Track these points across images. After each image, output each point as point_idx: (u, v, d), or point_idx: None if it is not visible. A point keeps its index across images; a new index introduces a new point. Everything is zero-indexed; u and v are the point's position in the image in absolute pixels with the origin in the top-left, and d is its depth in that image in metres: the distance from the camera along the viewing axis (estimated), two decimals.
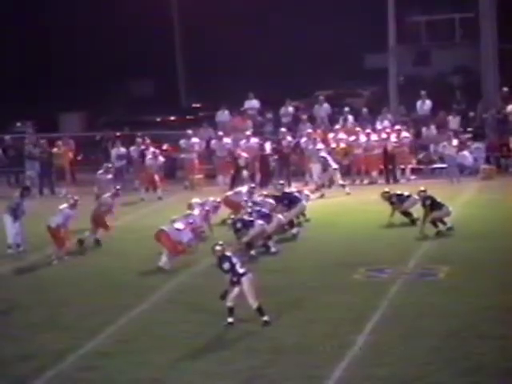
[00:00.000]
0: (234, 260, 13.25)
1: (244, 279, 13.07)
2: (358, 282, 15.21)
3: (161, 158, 26.30)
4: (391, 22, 31.90)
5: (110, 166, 22.71)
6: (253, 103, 30.53)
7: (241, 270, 13.14)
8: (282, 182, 21.12)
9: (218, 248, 13.37)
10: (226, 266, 13.16)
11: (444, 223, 18.43)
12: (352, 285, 15.04)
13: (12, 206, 18.48)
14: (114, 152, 27.77)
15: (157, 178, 25.41)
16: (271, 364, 11.46)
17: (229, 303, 13.05)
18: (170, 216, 17.43)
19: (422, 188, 18.99)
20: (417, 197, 18.88)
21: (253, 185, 21.31)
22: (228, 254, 13.39)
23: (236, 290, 13.04)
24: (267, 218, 17.77)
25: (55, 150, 28.11)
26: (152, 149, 26.80)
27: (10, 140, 30.03)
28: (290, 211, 18.93)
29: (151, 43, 39.10)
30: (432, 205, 18.31)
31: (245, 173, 26.11)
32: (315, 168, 25.63)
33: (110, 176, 22.43)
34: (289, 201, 19.19)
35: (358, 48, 38.39)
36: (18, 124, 36.64)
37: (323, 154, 24.93)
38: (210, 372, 11.29)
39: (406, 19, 38.68)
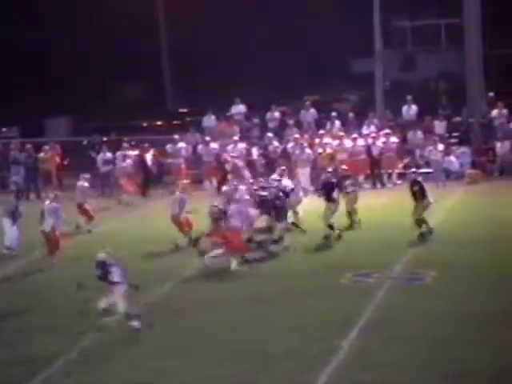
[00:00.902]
0: (113, 269, 13.13)
1: (115, 288, 13.05)
2: (345, 287, 15.24)
3: (128, 161, 26.17)
4: (377, 27, 31.99)
5: (86, 176, 22.71)
6: (239, 108, 30.56)
7: (114, 279, 13.07)
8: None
9: (99, 254, 13.35)
10: (98, 272, 13.18)
11: (426, 223, 18.49)
12: (339, 289, 15.07)
13: (10, 208, 18.51)
14: (100, 157, 27.71)
15: (123, 182, 25.36)
16: (260, 369, 11.47)
17: (102, 305, 13.15)
18: (156, 221, 17.43)
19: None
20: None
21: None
22: (107, 261, 13.25)
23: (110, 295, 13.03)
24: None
25: (41, 155, 28.03)
26: (121, 152, 26.84)
27: None
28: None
29: (138, 48, 39.07)
30: (421, 191, 18.43)
31: (231, 177, 26.09)
32: (302, 173, 25.65)
33: (86, 184, 22.39)
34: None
35: (345, 53, 38.51)
36: (4, 129, 36.51)
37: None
38: (198, 377, 11.28)
39: (392, 24, 38.86)
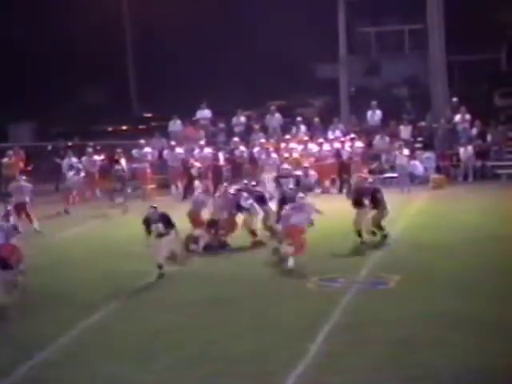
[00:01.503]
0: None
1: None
2: (311, 291, 15.30)
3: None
4: (342, 33, 32.23)
5: (23, 177, 22.76)
6: (205, 113, 30.59)
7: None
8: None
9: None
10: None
11: (382, 229, 18.63)
12: (305, 293, 15.13)
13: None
14: (65, 162, 27.54)
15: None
16: (223, 373, 11.48)
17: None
18: (123, 225, 17.42)
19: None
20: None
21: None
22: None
23: None
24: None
25: (5, 160, 27.79)
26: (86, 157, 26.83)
27: None
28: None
29: (103, 52, 38.92)
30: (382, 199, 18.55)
31: (197, 182, 26.10)
32: (268, 178, 25.73)
33: (28, 184, 22.41)
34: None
35: (310, 58, 38.71)
36: None
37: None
38: (159, 381, 11.26)
39: (356, 30, 39.14)
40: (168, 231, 16.38)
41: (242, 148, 27.69)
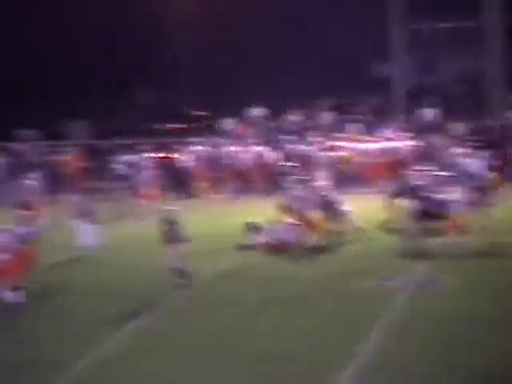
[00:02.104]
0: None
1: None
2: (367, 291, 15.14)
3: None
4: (396, 30, 31.93)
5: (34, 175, 22.90)
6: (257, 111, 30.61)
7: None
8: None
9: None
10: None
11: None
12: (361, 293, 14.98)
13: (83, 208, 18.36)
14: (119, 160, 27.81)
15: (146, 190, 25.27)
16: (277, 373, 11.43)
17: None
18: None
19: None
20: None
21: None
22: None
23: None
24: None
25: (63, 158, 28.16)
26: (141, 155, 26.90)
27: (16, 147, 30.12)
28: None
29: (155, 51, 39.17)
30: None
31: (251, 180, 26.19)
32: (320, 175, 25.61)
33: (36, 183, 22.52)
34: None
35: (363, 56, 38.42)
36: (25, 131, 36.74)
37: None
38: (215, 381, 11.28)
39: (410, 27, 38.72)
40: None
41: (294, 146, 27.63)
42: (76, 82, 39.13)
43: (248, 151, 27.49)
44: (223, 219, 21.16)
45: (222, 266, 17.14)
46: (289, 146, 27.65)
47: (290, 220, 18.56)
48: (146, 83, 41.53)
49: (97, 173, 28.16)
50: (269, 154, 27.41)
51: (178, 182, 27.24)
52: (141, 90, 42.36)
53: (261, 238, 18.45)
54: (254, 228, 18.60)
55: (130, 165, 27.49)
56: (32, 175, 28.07)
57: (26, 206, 20.80)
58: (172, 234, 15.78)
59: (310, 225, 18.56)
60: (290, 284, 15.72)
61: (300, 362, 11.78)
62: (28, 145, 29.93)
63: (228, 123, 30.22)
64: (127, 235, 20.50)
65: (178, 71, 40.31)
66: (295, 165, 26.62)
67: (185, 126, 34.17)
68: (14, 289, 14.73)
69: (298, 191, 19.47)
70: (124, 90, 40.68)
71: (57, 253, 18.43)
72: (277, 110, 30.87)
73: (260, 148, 27.65)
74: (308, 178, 20.66)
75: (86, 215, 18.52)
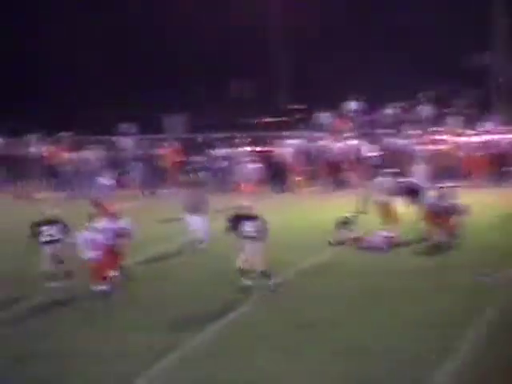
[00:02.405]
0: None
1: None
2: (466, 286, 14.81)
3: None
4: (495, 22, 31.14)
5: (106, 174, 22.94)
6: (353, 104, 30.37)
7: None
8: None
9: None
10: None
11: None
12: (460, 288, 14.69)
13: (192, 201, 18.33)
14: (214, 154, 28.06)
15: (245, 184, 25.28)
16: (362, 367, 11.31)
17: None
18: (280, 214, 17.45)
19: None
20: None
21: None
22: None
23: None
24: None
25: (160, 151, 28.58)
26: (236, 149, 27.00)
27: (115, 141, 30.74)
28: None
29: (252, 43, 39.28)
30: None
31: (345, 175, 26.02)
32: (418, 169, 25.23)
33: (111, 182, 22.50)
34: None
35: (461, 48, 37.60)
36: (123, 126, 37.46)
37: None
38: (301, 374, 11.23)
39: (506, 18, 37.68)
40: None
41: (392, 140, 27.29)
42: (174, 77, 39.67)
43: (344, 145, 27.29)
44: (317, 213, 21.08)
45: (315, 259, 17.09)
46: (385, 140, 27.32)
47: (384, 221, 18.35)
48: (243, 77, 41.75)
49: (194, 167, 28.44)
50: (365, 147, 27.15)
51: (273, 175, 27.28)
52: (238, 83, 42.63)
53: (351, 234, 18.29)
54: (345, 223, 18.44)
55: (227, 159, 27.71)
56: (130, 169, 28.78)
57: (100, 203, 21.15)
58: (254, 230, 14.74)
59: (387, 217, 18.33)
60: (387, 277, 15.54)
61: (393, 358, 11.62)
62: (128, 139, 30.48)
63: (324, 117, 30.08)
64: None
65: (275, 64, 40.35)
66: (388, 158, 26.33)
67: (281, 119, 34.15)
68: (107, 280, 14.95)
69: (384, 184, 19.22)
70: (221, 83, 41.01)
71: (159, 245, 18.74)
72: (374, 104, 30.55)
73: (356, 142, 27.42)
74: (398, 171, 20.25)
75: (196, 208, 18.36)
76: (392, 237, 18.01)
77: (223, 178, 27.46)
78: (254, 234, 14.53)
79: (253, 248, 14.58)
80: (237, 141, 28.01)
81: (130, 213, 22.10)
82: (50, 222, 15.47)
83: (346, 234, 18.35)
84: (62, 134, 30.36)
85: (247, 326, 13.30)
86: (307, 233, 19.26)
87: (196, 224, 18.30)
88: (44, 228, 15.36)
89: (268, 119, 34.06)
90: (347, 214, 18.54)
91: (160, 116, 37.81)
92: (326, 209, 20.67)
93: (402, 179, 19.50)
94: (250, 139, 28.49)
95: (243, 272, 14.67)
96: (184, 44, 40.32)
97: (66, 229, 15.45)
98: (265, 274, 14.66)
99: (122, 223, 15.85)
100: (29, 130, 31.89)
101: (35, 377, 11.36)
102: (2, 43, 37.70)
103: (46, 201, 26.44)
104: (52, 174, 28.66)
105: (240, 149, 27.53)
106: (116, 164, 29.21)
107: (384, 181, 19.00)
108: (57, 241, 15.34)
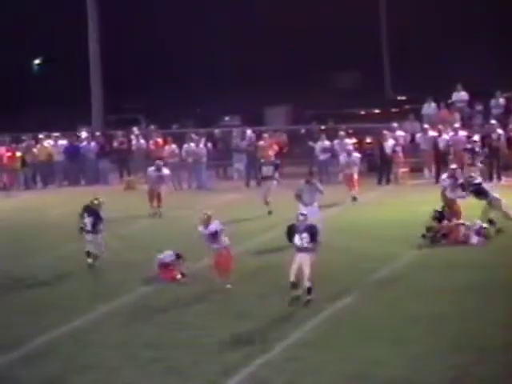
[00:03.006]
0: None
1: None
2: None
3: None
4: None
5: (161, 163, 22.83)
6: (461, 95, 29.67)
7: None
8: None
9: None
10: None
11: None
12: None
13: (298, 193, 18.11)
14: (318, 145, 27.92)
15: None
16: (476, 362, 11.00)
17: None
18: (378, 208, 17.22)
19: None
20: None
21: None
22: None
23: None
24: None
25: (261, 142, 28.62)
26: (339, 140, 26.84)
27: (218, 133, 30.97)
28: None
29: (356, 35, 38.97)
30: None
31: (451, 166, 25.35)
32: None
33: (160, 173, 22.28)
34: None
35: None
36: (227, 118, 37.78)
37: None
38: (415, 368, 11.00)
39: None
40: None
41: (500, 131, 26.52)
42: (276, 70, 39.75)
43: (451, 136, 26.68)
44: (420, 205, 20.64)
45: (417, 252, 16.79)
46: (492, 130, 26.55)
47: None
48: (348, 68, 41.49)
49: (297, 158, 28.41)
50: (471, 139, 26.46)
51: (378, 167, 26.92)
52: (342, 74, 42.38)
53: (444, 227, 17.81)
54: (438, 217, 17.95)
55: (330, 150, 27.48)
56: (234, 161, 28.94)
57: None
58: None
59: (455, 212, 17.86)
60: (487, 271, 15.12)
61: (504, 351, 11.26)
62: (232, 131, 30.65)
63: (430, 107, 29.50)
64: (335, 219, 20.35)
65: (381, 57, 39.92)
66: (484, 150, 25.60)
67: (386, 110, 33.71)
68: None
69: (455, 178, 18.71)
70: (325, 74, 40.85)
71: (266, 236, 18.76)
72: (483, 94, 29.74)
73: (464, 133, 26.75)
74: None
75: (313, 199, 18.12)
76: (485, 228, 17.50)
77: (326, 170, 27.30)
78: (306, 245, 13.66)
79: (303, 259, 13.65)
80: (341, 132, 27.75)
81: (233, 205, 22.41)
82: (89, 211, 16.22)
83: (439, 227, 17.90)
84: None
85: (353, 317, 13.13)
86: (410, 225, 18.87)
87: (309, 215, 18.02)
88: (84, 215, 16.27)
89: (374, 110, 33.67)
90: (439, 208, 18.08)
91: (263, 108, 37.95)
92: (429, 201, 20.16)
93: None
94: (352, 130, 28.22)
95: (294, 285, 13.74)
96: (287, 38, 40.35)
97: (98, 221, 16.17)
98: (307, 289, 13.65)
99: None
100: (136, 122, 32.56)
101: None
102: None
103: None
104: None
105: (343, 140, 27.25)
106: (220, 156, 29.43)
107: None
108: (88, 231, 16.19)
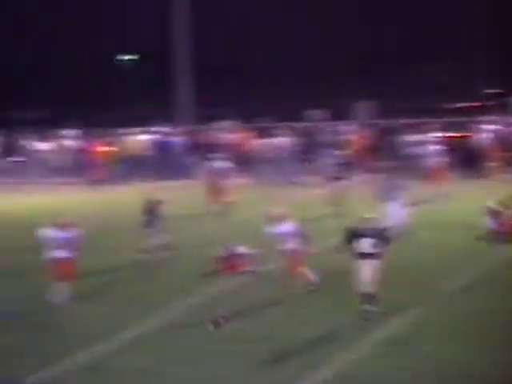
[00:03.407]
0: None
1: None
2: None
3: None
4: None
5: (222, 155, 22.30)
6: None
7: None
8: None
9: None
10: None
11: None
12: None
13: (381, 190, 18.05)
14: (406, 140, 27.56)
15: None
16: None
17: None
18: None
19: None
20: None
21: None
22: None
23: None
24: None
25: (349, 137, 28.44)
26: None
27: (305, 127, 30.90)
28: None
29: (448, 27, 38.41)
30: None
31: None
32: None
33: (225, 165, 21.86)
34: None
35: None
36: (313, 112, 37.62)
37: None
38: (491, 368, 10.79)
39: None
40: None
41: None
42: (366, 64, 39.45)
43: None
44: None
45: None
46: None
47: None
48: (439, 61, 40.90)
49: (385, 152, 28.13)
50: None
51: (469, 161, 26.43)
52: (434, 67, 41.81)
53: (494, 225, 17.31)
54: (492, 213, 17.43)
55: (418, 144, 27.09)
56: (319, 155, 28.79)
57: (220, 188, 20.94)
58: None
59: None
60: None
61: None
62: (316, 125, 30.55)
63: None
64: (423, 215, 20.09)
65: (475, 49, 39.20)
66: None
67: (478, 104, 33.10)
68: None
69: None
70: (416, 68, 40.35)
71: None
72: None
73: None
74: None
75: (395, 195, 17.88)
76: None
77: (414, 165, 26.89)
78: (371, 251, 12.58)
79: (370, 268, 12.63)
80: (429, 126, 27.35)
81: (318, 200, 22.30)
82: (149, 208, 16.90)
83: (491, 224, 17.45)
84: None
85: (438, 319, 12.95)
86: None
87: (392, 211, 17.79)
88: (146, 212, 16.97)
89: (466, 104, 33.07)
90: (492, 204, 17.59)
91: (349, 102, 37.69)
92: None
93: None
94: (445, 124, 27.78)
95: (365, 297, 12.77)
96: (375, 30, 40.01)
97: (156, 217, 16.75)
98: (372, 298, 12.73)
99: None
100: (222, 117, 32.77)
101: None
102: None
103: (238, 186, 27.12)
104: (243, 160, 29.26)
105: (432, 134, 26.84)
106: (305, 151, 29.36)
107: None
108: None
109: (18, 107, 44.25)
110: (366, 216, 12.97)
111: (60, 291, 14.08)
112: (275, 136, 28.44)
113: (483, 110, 30.16)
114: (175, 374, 11.08)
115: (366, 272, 12.63)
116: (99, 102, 41.13)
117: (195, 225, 20.47)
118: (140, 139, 29.96)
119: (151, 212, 16.84)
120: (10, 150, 31.08)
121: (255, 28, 41.32)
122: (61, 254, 14.03)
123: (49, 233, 14.20)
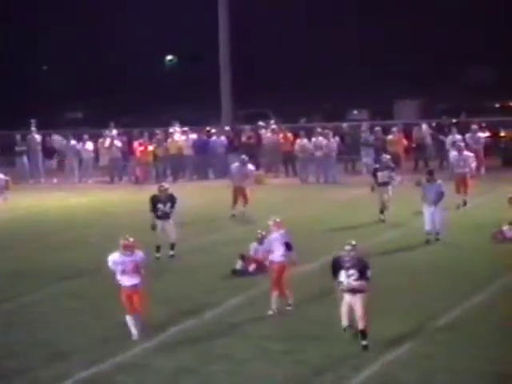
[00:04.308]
0: None
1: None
2: None
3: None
4: None
5: (245, 158, 21.88)
6: None
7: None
8: None
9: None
10: None
11: None
12: None
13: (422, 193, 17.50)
14: (449, 139, 27.29)
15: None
16: None
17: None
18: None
19: None
20: None
21: None
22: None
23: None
24: None
25: (390, 137, 28.26)
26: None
27: (347, 127, 30.78)
28: None
29: (491, 28, 38.02)
30: None
31: None
32: None
33: (244, 168, 21.34)
34: None
35: None
36: (355, 112, 37.58)
37: None
38: None
39: None
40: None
41: None
42: (406, 62, 39.23)
43: None
44: None
45: None
46: None
47: None
48: (480, 61, 40.53)
49: (430, 153, 27.96)
50: None
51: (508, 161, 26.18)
52: (474, 67, 41.43)
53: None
54: None
55: (457, 143, 26.81)
56: (362, 155, 28.67)
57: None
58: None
59: None
60: None
61: None
62: (360, 125, 30.43)
63: None
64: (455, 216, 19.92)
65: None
66: None
67: None
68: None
69: None
70: (456, 68, 40.04)
71: (391, 233, 18.58)
72: None
73: None
74: None
75: (437, 198, 17.55)
76: None
77: (457, 165, 26.54)
78: (354, 284, 11.40)
79: (352, 301, 11.50)
80: (473, 126, 27.09)
81: (359, 200, 22.18)
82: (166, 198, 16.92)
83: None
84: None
85: (478, 318, 12.84)
86: None
87: (432, 215, 17.54)
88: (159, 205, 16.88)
89: (509, 103, 32.71)
90: None
91: (392, 101, 37.52)
92: None
93: None
94: (485, 124, 27.53)
95: (349, 328, 11.73)
96: (415, 31, 39.81)
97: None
98: (361, 332, 11.58)
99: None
100: (265, 116, 32.79)
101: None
102: None
103: (281, 186, 27.15)
104: (287, 160, 29.26)
105: (476, 134, 26.57)
106: (348, 150, 29.20)
107: None
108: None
109: (69, 108, 45.03)
110: (349, 242, 11.54)
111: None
112: (318, 135, 28.31)
113: None
114: (215, 371, 11.13)
115: (348, 306, 11.55)
116: (143, 102, 41.46)
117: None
118: (180, 138, 30.05)
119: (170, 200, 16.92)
120: (52, 151, 31.45)
121: (298, 31, 41.37)
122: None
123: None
